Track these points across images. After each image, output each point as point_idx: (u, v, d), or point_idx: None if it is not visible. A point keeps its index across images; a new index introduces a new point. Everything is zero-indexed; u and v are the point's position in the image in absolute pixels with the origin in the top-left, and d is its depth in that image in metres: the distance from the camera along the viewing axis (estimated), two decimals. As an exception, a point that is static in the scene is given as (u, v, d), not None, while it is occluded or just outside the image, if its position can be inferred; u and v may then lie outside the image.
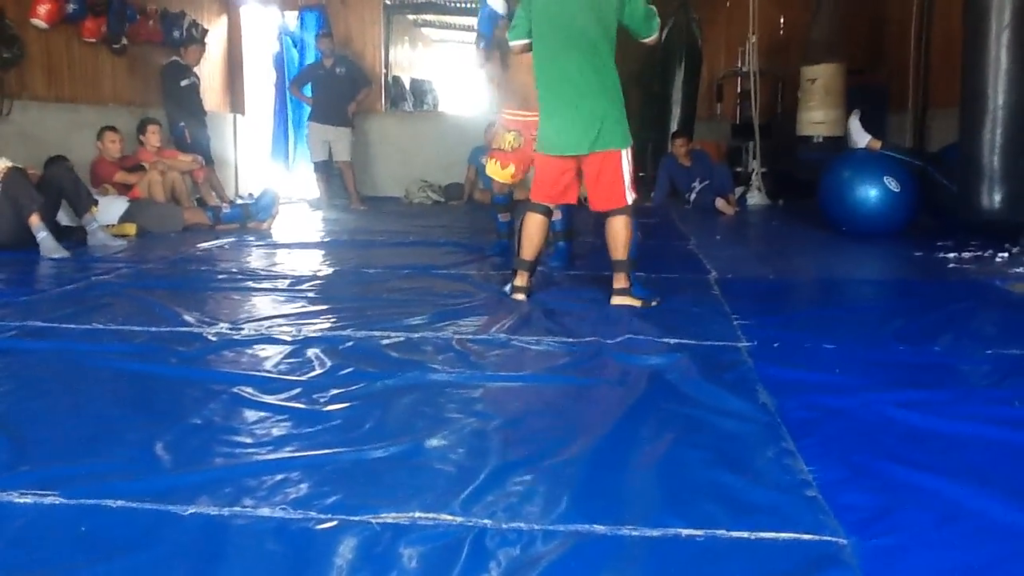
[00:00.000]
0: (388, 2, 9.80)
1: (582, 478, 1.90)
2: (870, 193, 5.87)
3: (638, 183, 3.88)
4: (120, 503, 1.76)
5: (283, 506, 1.75)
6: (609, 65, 3.74)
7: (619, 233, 3.75)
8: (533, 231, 3.89)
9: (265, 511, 1.73)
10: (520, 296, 3.87)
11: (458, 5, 10.18)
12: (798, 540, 1.63)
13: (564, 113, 3.74)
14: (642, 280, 4.23)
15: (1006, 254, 5.03)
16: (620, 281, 3.77)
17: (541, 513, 1.72)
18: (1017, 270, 4.62)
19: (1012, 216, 4.77)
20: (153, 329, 3.28)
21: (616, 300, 3.75)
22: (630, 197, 3.77)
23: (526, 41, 3.86)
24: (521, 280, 3.90)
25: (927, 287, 4.31)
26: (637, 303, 3.72)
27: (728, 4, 10.97)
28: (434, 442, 2.12)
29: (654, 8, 3.82)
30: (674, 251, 5.53)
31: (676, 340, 3.10)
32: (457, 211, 8.35)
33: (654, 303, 3.74)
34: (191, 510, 1.73)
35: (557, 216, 4.54)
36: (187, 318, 3.44)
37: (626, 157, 3.75)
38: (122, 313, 3.56)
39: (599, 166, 3.74)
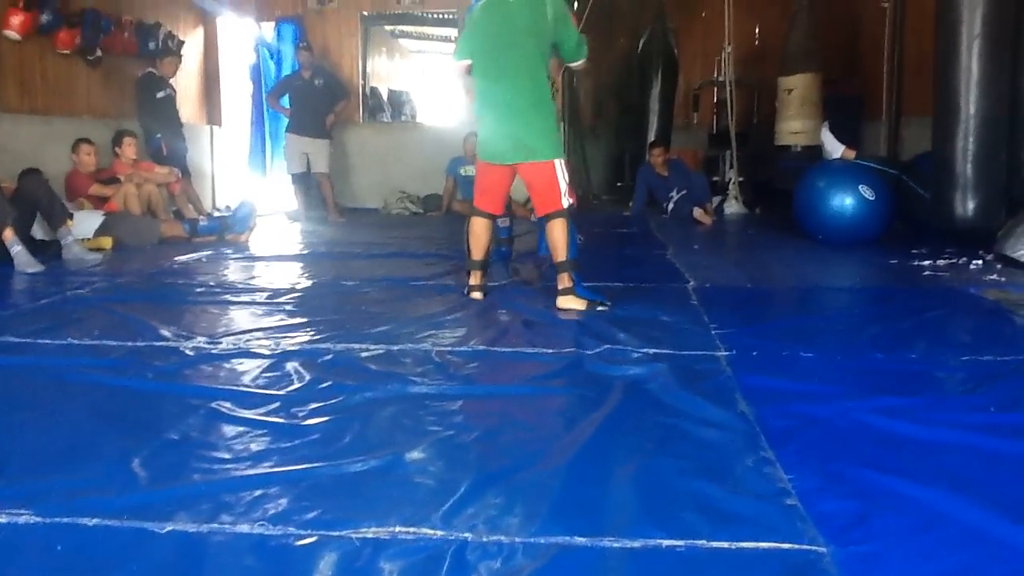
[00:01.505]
0: (366, 13, 9.79)
1: (562, 489, 1.90)
2: (845, 202, 5.92)
3: (575, 189, 4.23)
4: (96, 521, 1.74)
5: (262, 522, 1.74)
6: (543, 83, 4.04)
7: (557, 236, 3.96)
8: (478, 233, 4.20)
9: (244, 527, 1.72)
10: (477, 294, 4.16)
11: (436, 16, 10.18)
12: (778, 549, 1.63)
13: (499, 127, 4.05)
14: (620, 290, 4.27)
15: (980, 261, 5.09)
16: (563, 281, 3.93)
17: (521, 525, 1.72)
18: (991, 277, 4.67)
19: (985, 223, 4.82)
20: (129, 343, 3.25)
21: (560, 301, 3.90)
22: (566, 201, 4.01)
23: (468, 62, 4.16)
24: (475, 279, 4.19)
25: (903, 294, 4.35)
26: (582, 304, 3.87)
27: (704, 15, 11.07)
28: (414, 455, 2.11)
29: (584, 37, 4.19)
30: (652, 260, 5.55)
31: (655, 350, 3.11)
32: (436, 222, 8.34)
33: (600, 307, 3.86)
34: (168, 527, 1.72)
35: (505, 223, 5.24)
36: (164, 332, 3.41)
37: (559, 166, 4.02)
38: (98, 327, 3.53)
39: (533, 175, 4.03)
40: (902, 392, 2.65)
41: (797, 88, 8.86)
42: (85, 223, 6.04)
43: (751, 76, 10.65)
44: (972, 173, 4.67)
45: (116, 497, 1.86)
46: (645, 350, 3.11)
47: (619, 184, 11.16)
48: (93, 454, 2.13)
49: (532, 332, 3.47)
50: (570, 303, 3.88)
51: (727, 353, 3.08)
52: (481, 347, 3.21)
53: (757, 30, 11.04)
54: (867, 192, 5.89)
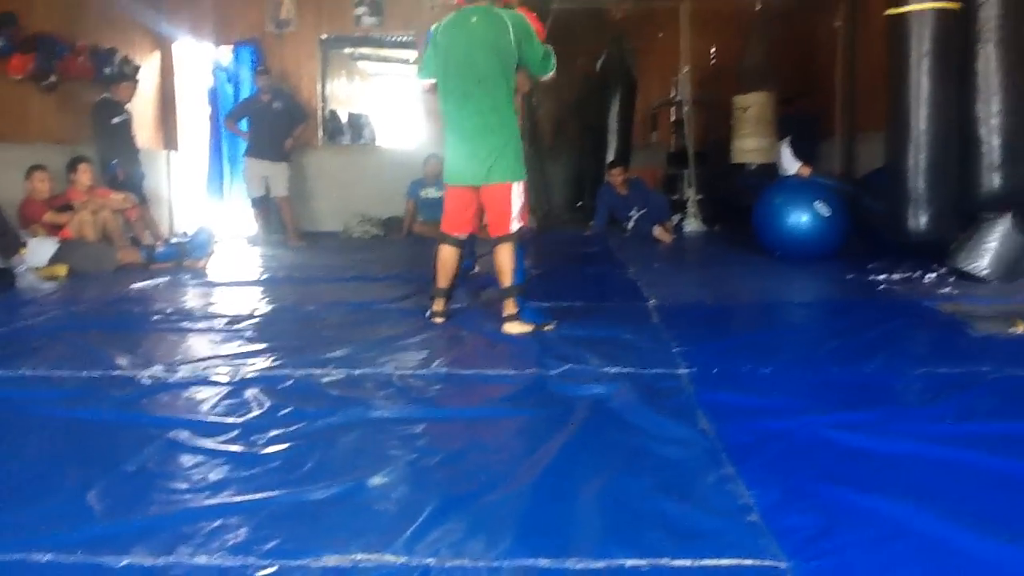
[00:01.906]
0: (324, 36, 9.77)
1: (526, 511, 1.89)
2: (802, 218, 6.01)
3: (527, 213, 4.19)
4: (49, 557, 1.70)
5: (221, 553, 1.71)
6: (507, 103, 4.04)
7: (503, 262, 3.99)
8: (446, 261, 4.18)
9: (202, 559, 1.69)
10: (439, 320, 4.14)
11: (395, 39, 10.19)
12: (740, 565, 1.64)
13: (464, 147, 4.05)
14: (581, 309, 4.28)
15: (934, 275, 5.18)
16: (508, 308, 3.94)
17: (485, 549, 1.71)
18: (945, 290, 4.76)
19: (938, 236, 4.91)
20: (84, 374, 3.20)
21: (506, 327, 3.90)
22: (515, 226, 4.02)
23: (432, 81, 4.17)
24: (438, 305, 4.19)
25: (859, 308, 4.40)
26: (528, 328, 3.87)
27: (661, 35, 11.20)
28: (376, 481, 2.10)
29: (550, 49, 4.13)
30: (613, 279, 5.58)
31: (617, 369, 3.12)
32: (397, 245, 8.32)
33: (547, 327, 3.87)
34: (125, 561, 1.68)
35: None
36: (120, 361, 3.36)
37: (516, 189, 4.03)
38: (52, 357, 3.47)
39: (491, 196, 4.04)
40: (861, 405, 2.68)
41: (752, 107, 8.99)
42: (39, 251, 5.93)
43: (708, 96, 10.79)
44: (924, 188, 4.76)
45: (70, 531, 1.83)
46: (606, 369, 3.12)
47: (579, 203, 11.22)
48: (46, 488, 2.09)
49: (494, 353, 3.47)
50: (516, 329, 3.87)
51: (688, 370, 3.09)
52: (443, 370, 3.20)
53: (713, 50, 11.20)
54: (823, 208, 5.98)
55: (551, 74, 4.21)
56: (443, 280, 4.19)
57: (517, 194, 4.03)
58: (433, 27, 4.26)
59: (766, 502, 1.92)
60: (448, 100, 4.08)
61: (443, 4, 9.16)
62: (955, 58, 4.75)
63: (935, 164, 4.75)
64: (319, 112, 9.85)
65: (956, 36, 4.73)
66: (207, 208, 9.72)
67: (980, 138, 4.76)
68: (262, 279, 5.96)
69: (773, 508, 1.88)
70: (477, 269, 5.51)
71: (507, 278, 3.96)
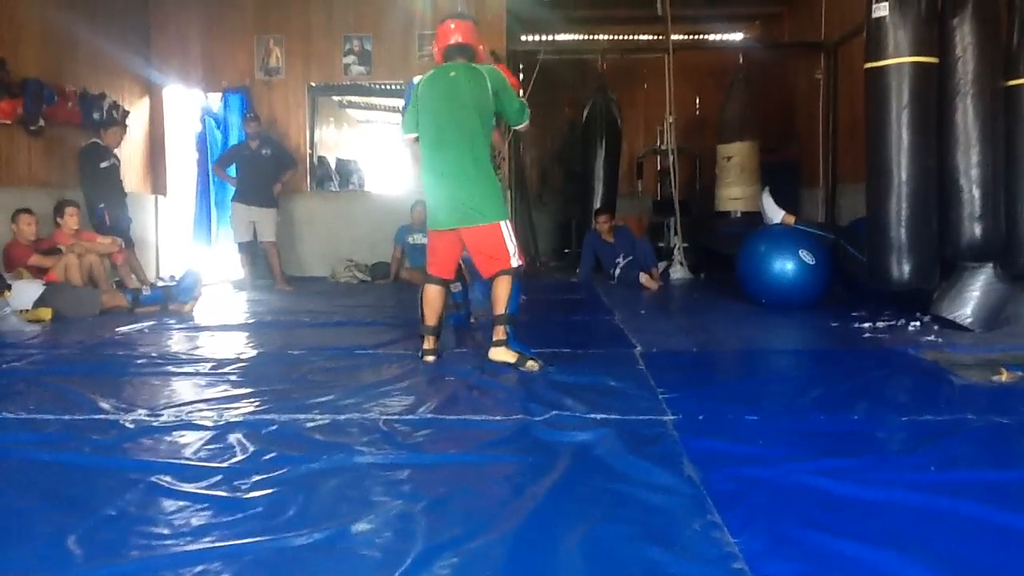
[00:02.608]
0: (313, 84, 9.87)
1: (509, 558, 1.88)
2: (786, 266, 6.06)
3: (523, 253, 4.35)
4: (27, 603, 1.68)
5: (201, 599, 1.69)
6: (484, 152, 4.25)
7: (501, 290, 4.13)
8: (432, 300, 4.36)
9: (182, 606, 1.67)
10: (430, 358, 4.28)
11: (382, 87, 10.31)
12: (726, 614, 1.63)
13: (442, 194, 4.23)
14: (568, 355, 4.29)
15: (918, 323, 5.22)
16: (498, 333, 4.11)
17: (469, 596, 1.69)
18: (929, 338, 4.79)
19: (921, 285, 4.95)
20: (67, 417, 3.17)
21: (492, 352, 4.10)
22: (515, 261, 4.15)
23: (415, 135, 4.38)
24: (428, 344, 4.34)
25: (844, 356, 4.43)
26: (512, 357, 4.03)
27: (646, 86, 11.38)
28: (360, 527, 2.08)
29: (525, 103, 4.44)
30: (599, 325, 5.60)
31: (602, 415, 3.12)
32: (383, 290, 8.32)
33: (530, 361, 3.99)
34: (103, 607, 1.66)
35: (457, 288, 5.31)
36: (103, 405, 3.33)
37: (505, 227, 4.18)
38: (34, 401, 3.44)
39: (477, 239, 4.17)
40: (845, 453, 2.69)
41: (736, 156, 9.13)
42: (24, 294, 5.91)
43: (692, 145, 10.94)
44: (906, 237, 4.81)
45: (49, 577, 1.80)
46: (592, 415, 3.11)
47: (566, 251, 11.28)
48: (26, 533, 2.06)
49: (480, 399, 3.46)
50: (501, 355, 4.06)
51: (674, 417, 3.10)
52: (428, 415, 3.19)
53: (697, 100, 11.38)
54: (807, 256, 6.03)
55: (526, 123, 4.46)
56: (431, 318, 4.35)
57: (507, 232, 4.17)
58: (413, 83, 4.42)
59: (751, 550, 1.91)
60: (429, 150, 4.27)
61: (430, 54, 9.29)
62: (934, 110, 4.83)
63: (916, 214, 4.81)
64: (307, 158, 9.91)
65: (934, 89, 4.82)
66: (194, 252, 9.72)
67: (961, 188, 4.83)
68: (248, 323, 5.94)
69: (758, 556, 1.88)
70: (473, 320, 5.51)
71: (502, 305, 4.10)
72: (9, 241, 6.52)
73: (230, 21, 9.75)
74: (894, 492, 2.30)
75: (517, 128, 4.56)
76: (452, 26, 4.35)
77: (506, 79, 4.35)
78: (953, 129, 4.85)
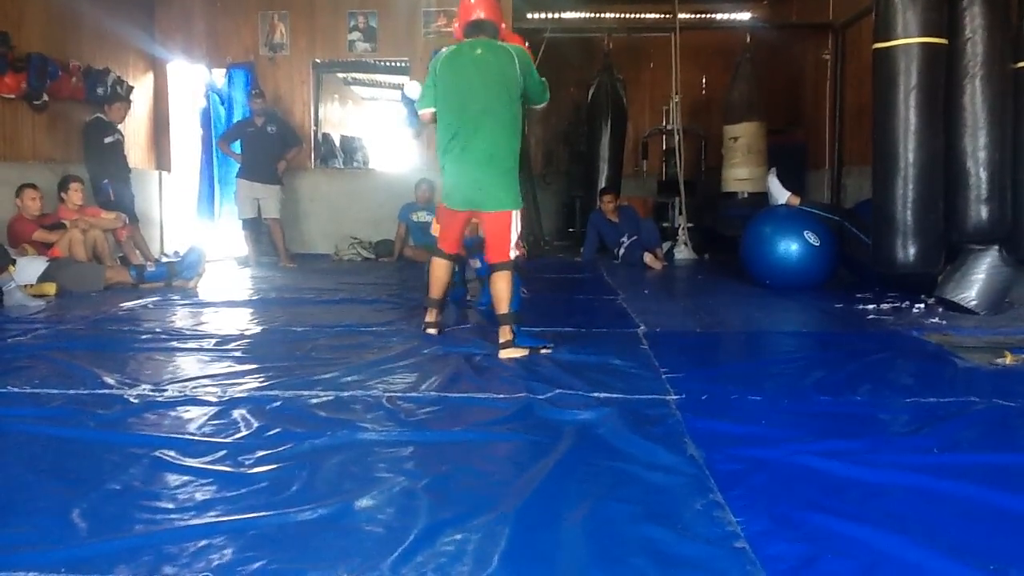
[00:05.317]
0: (318, 60, 9.82)
1: (512, 536, 1.88)
2: (791, 248, 6.05)
3: (522, 241, 4.36)
4: None
5: (206, 573, 1.70)
6: (508, 134, 4.13)
7: (501, 288, 4.05)
8: (438, 272, 4.40)
9: (186, 579, 1.68)
10: (432, 331, 4.34)
11: (387, 64, 10.27)
12: (727, 593, 1.64)
13: (460, 174, 4.14)
14: (571, 335, 4.29)
15: (922, 305, 5.22)
16: (504, 335, 3.97)
17: (471, 573, 1.70)
18: (933, 320, 4.78)
19: (925, 268, 4.94)
20: (71, 392, 3.18)
21: (502, 354, 3.90)
22: (512, 254, 4.11)
23: (432, 110, 4.27)
24: (431, 316, 4.41)
25: (848, 338, 4.43)
26: (523, 353, 3.89)
27: (652, 65, 11.31)
28: (363, 503, 2.09)
29: (545, 81, 4.31)
30: (603, 306, 5.59)
31: (605, 394, 3.12)
32: (387, 268, 8.32)
33: (543, 349, 3.93)
34: (108, 580, 1.67)
35: (477, 264, 5.25)
36: (107, 380, 3.35)
37: (515, 218, 4.12)
38: (38, 375, 3.45)
39: (492, 223, 4.12)
40: (848, 435, 2.69)
41: (742, 136, 9.07)
42: (28, 269, 5.92)
43: (698, 125, 10.89)
44: (911, 220, 4.79)
45: (53, 550, 1.81)
46: (595, 395, 3.12)
47: (570, 230, 11.26)
48: (30, 507, 2.07)
49: (483, 377, 3.46)
50: (511, 354, 3.88)
51: (677, 397, 3.10)
52: (432, 393, 3.20)
53: (704, 80, 11.31)
54: (812, 238, 6.02)
55: (545, 103, 4.39)
56: (436, 291, 4.41)
57: (515, 222, 4.12)
58: (433, 60, 4.36)
59: (753, 529, 1.92)
60: (450, 129, 4.14)
61: (436, 31, 9.25)
62: (942, 92, 4.80)
63: (922, 196, 4.79)
64: (312, 135, 9.88)
65: (943, 70, 4.79)
66: (198, 229, 9.71)
67: (967, 171, 4.81)
68: (252, 300, 5.94)
69: (760, 536, 1.88)
70: (470, 297, 5.52)
71: (504, 305, 4.01)
72: (14, 216, 6.52)
73: (234, -4, 9.70)
74: (896, 474, 2.30)
75: (537, 108, 4.47)
76: (473, 1, 4.20)
77: (530, 58, 4.26)
78: (961, 111, 4.82)
